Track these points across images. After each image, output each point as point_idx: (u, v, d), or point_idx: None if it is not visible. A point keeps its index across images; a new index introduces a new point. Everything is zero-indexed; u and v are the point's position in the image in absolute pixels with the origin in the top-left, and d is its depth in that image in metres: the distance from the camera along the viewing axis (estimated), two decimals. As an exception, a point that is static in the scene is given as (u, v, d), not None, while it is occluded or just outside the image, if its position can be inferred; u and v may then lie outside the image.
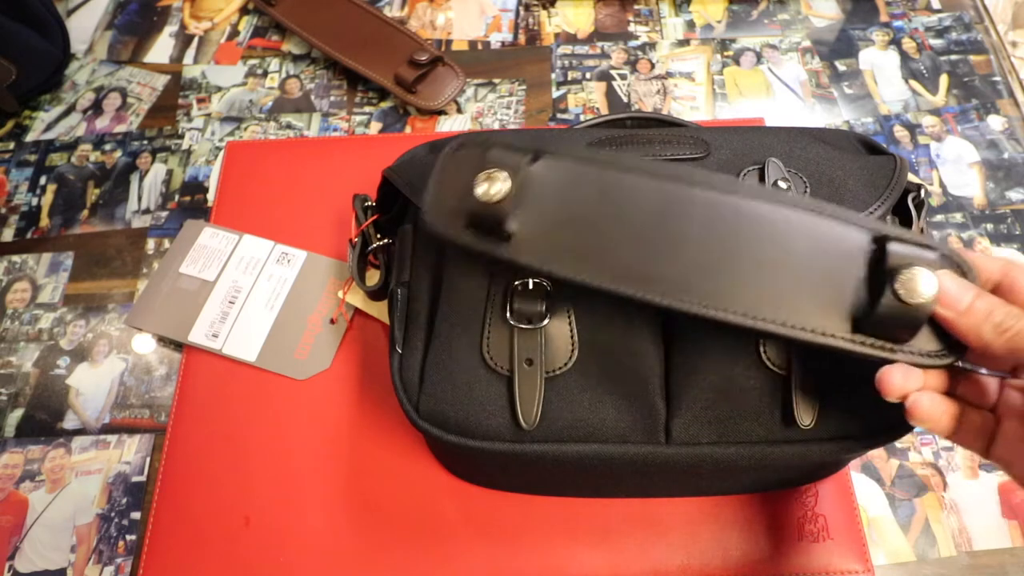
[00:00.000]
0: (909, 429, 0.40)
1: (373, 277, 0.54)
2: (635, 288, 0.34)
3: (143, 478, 0.52)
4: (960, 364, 0.34)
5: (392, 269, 0.50)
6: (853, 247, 0.33)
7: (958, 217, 0.62)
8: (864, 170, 0.45)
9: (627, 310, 0.41)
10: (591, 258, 0.34)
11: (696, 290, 0.33)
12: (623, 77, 0.70)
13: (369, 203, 0.53)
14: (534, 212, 0.35)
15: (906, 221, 0.49)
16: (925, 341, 0.33)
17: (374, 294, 0.53)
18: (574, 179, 0.36)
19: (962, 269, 0.33)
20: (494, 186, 0.34)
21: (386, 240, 0.52)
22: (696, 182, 0.34)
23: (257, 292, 0.57)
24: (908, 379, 0.33)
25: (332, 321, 0.56)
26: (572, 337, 0.41)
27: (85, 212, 0.63)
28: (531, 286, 0.41)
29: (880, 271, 0.32)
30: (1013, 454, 0.33)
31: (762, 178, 0.44)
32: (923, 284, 0.31)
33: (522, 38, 0.73)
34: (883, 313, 0.32)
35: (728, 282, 0.33)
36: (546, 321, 0.41)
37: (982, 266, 0.34)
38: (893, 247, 0.32)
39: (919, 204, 0.49)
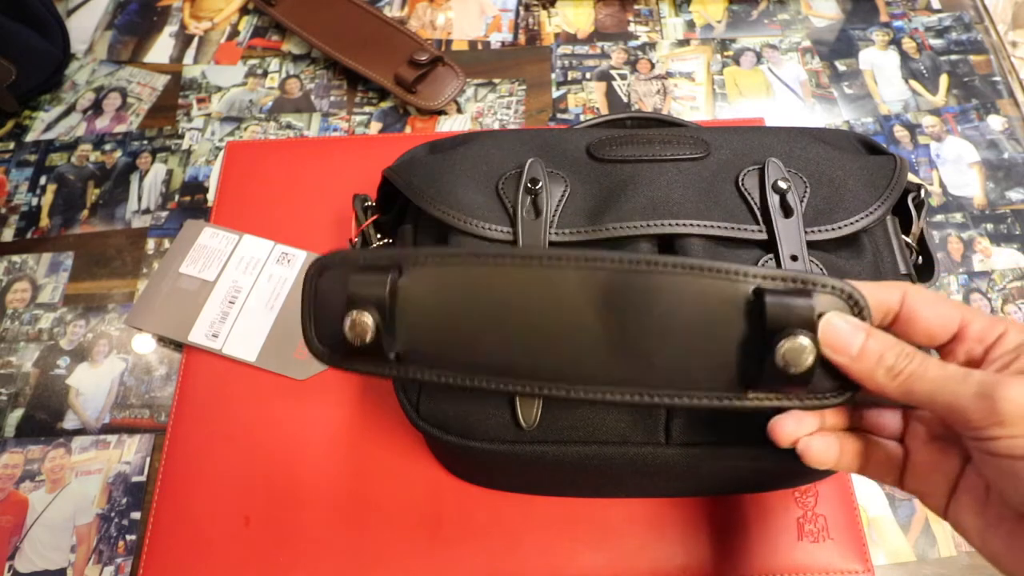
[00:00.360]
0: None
1: (373, 277, 0.54)
2: (526, 385, 0.33)
3: (143, 478, 0.52)
4: (860, 398, 0.32)
5: (392, 269, 0.49)
6: (734, 306, 0.32)
7: (958, 217, 0.62)
8: (864, 170, 0.45)
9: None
10: (481, 364, 0.33)
11: (585, 376, 0.33)
12: (623, 77, 0.70)
13: (369, 203, 0.53)
14: (412, 330, 0.34)
15: (906, 221, 0.49)
16: (820, 380, 0.31)
17: (374, 294, 0.53)
18: (441, 285, 0.34)
19: (853, 300, 0.31)
20: (360, 330, 0.33)
21: (386, 240, 0.52)
22: (566, 263, 0.33)
23: (257, 292, 0.57)
24: (800, 425, 0.32)
25: (332, 321, 0.56)
26: (572, 337, 0.41)
27: (85, 212, 0.63)
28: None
29: (761, 330, 0.31)
30: (926, 485, 0.32)
31: (762, 178, 0.44)
32: (801, 355, 0.29)
33: (522, 38, 0.73)
34: (770, 377, 0.31)
35: (616, 362, 0.32)
36: (546, 321, 0.41)
37: (881, 296, 0.32)
38: (769, 301, 0.30)
39: (919, 204, 0.49)
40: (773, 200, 0.43)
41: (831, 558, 0.48)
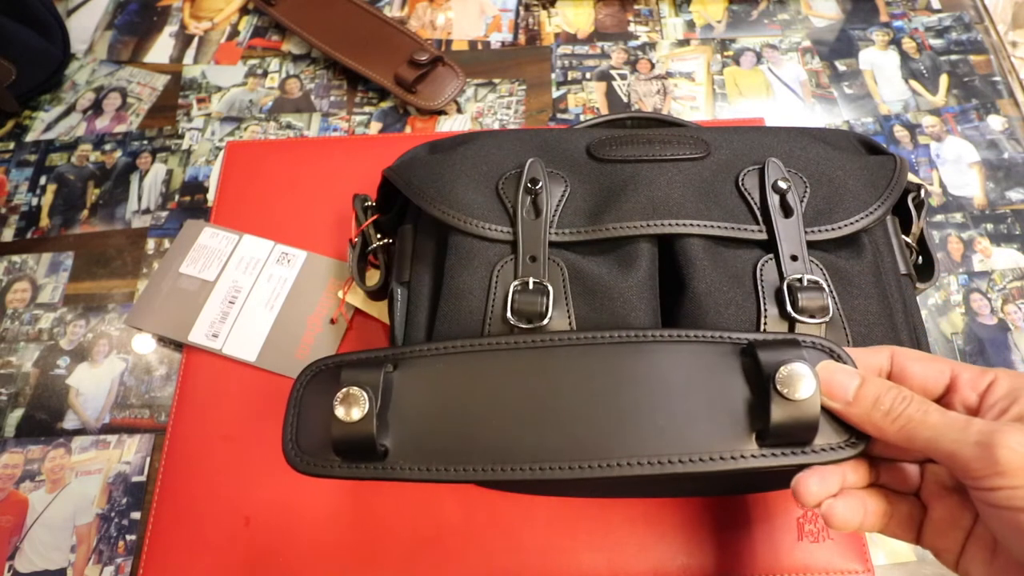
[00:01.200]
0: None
1: (373, 277, 0.54)
2: (531, 471, 0.32)
3: (143, 478, 0.52)
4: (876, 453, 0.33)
5: (392, 269, 0.50)
6: (728, 365, 0.33)
7: (958, 217, 0.62)
8: (864, 170, 0.45)
9: (628, 310, 0.41)
10: (478, 452, 0.33)
11: (592, 453, 0.32)
12: (623, 77, 0.70)
13: (369, 203, 0.53)
14: (405, 421, 0.34)
15: (906, 221, 0.49)
16: (832, 434, 0.32)
17: (374, 294, 0.53)
18: (439, 377, 0.34)
19: (836, 354, 0.32)
20: (354, 406, 0.33)
21: (386, 240, 0.52)
22: (559, 345, 0.34)
23: (257, 292, 0.57)
24: (825, 483, 0.31)
25: (332, 321, 0.56)
26: (572, 337, 0.41)
27: (85, 212, 0.63)
28: (531, 286, 0.41)
29: (760, 379, 0.32)
30: (944, 541, 0.31)
31: (762, 178, 0.44)
32: (800, 378, 0.31)
33: (522, 38, 0.73)
34: (778, 418, 0.31)
35: (622, 437, 0.32)
36: (546, 320, 0.41)
37: (871, 361, 0.32)
38: (762, 355, 0.32)
39: (919, 204, 0.49)
40: (773, 200, 0.43)
41: (831, 558, 0.48)
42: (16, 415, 0.55)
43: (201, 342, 0.55)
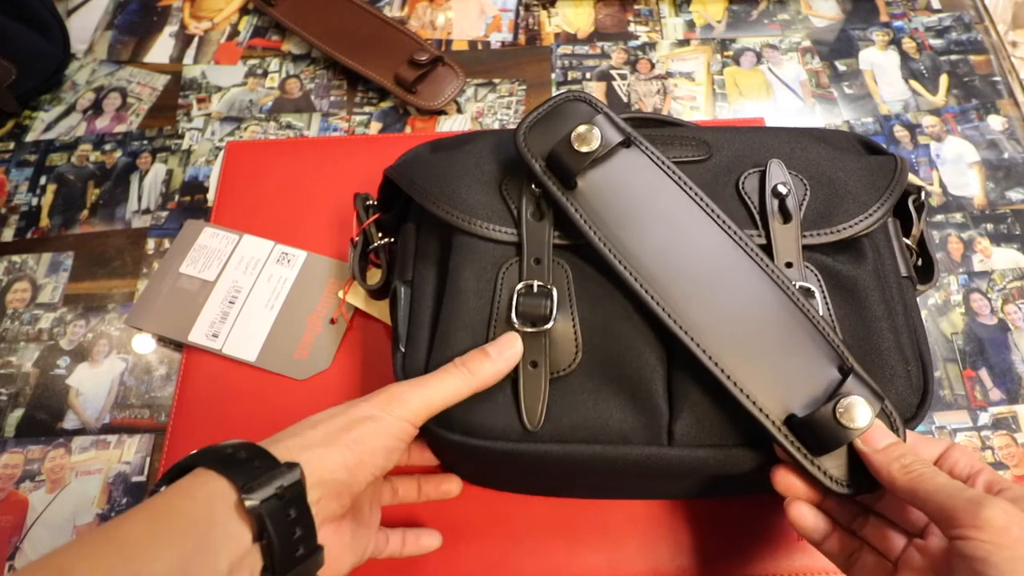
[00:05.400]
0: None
1: (374, 276, 0.54)
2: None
3: (143, 478, 0.52)
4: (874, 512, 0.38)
5: (394, 268, 0.50)
6: (824, 364, 0.38)
7: (958, 217, 0.62)
8: (865, 170, 0.45)
9: (630, 313, 0.41)
10: (632, 251, 0.41)
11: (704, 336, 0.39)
12: (623, 77, 0.70)
13: (371, 202, 0.53)
14: (598, 183, 0.41)
15: (907, 223, 0.49)
16: (836, 467, 0.37)
17: (375, 293, 0.53)
18: (636, 177, 0.42)
19: (894, 424, 0.37)
20: (587, 139, 0.41)
21: (388, 239, 0.52)
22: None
23: (257, 292, 0.57)
24: (803, 486, 0.38)
25: (332, 321, 0.56)
26: (576, 339, 0.41)
27: (85, 212, 0.63)
28: (535, 288, 0.41)
29: (831, 392, 0.37)
30: None
31: (762, 181, 0.44)
32: (858, 413, 0.36)
33: (522, 38, 0.73)
34: (813, 419, 0.36)
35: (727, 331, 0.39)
36: (551, 323, 0.41)
37: (921, 448, 0.37)
38: (850, 381, 0.37)
39: (919, 206, 0.49)
40: (772, 205, 0.43)
41: (831, 558, 0.48)
42: (16, 415, 0.55)
43: (201, 342, 0.55)
